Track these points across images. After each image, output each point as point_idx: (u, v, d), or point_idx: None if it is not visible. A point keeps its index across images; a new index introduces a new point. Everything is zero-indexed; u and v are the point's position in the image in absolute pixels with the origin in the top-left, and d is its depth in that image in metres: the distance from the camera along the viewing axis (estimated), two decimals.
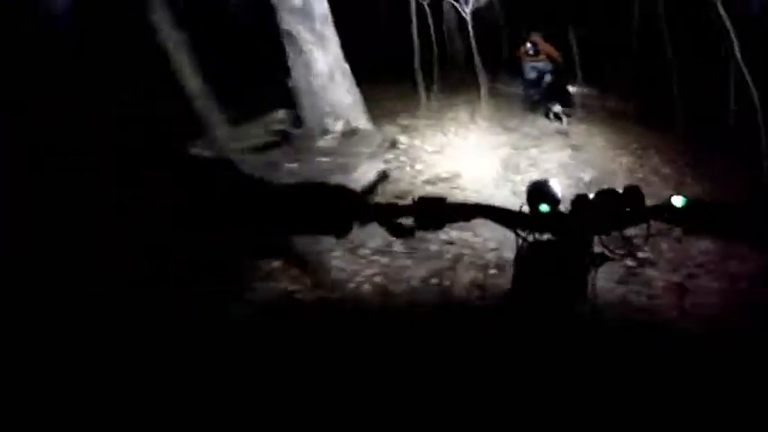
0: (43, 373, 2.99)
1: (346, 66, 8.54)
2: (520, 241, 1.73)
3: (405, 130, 9.35)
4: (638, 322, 4.22)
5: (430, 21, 11.82)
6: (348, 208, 1.51)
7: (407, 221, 1.53)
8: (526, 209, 1.70)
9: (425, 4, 11.60)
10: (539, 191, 1.70)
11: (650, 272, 5.14)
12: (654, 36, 11.46)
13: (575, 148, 9.73)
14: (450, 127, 9.90)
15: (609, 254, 1.74)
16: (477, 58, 11.42)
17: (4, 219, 3.88)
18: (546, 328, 1.74)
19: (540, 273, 1.71)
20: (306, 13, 8.31)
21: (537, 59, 10.67)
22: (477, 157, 8.34)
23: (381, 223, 1.54)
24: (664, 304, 4.60)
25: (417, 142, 8.59)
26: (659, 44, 11.30)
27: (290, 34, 8.38)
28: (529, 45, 10.62)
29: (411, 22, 11.32)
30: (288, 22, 8.37)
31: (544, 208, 1.62)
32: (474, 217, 1.60)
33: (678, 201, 1.54)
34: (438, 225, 1.55)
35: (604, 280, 4.34)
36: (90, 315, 3.44)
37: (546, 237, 1.70)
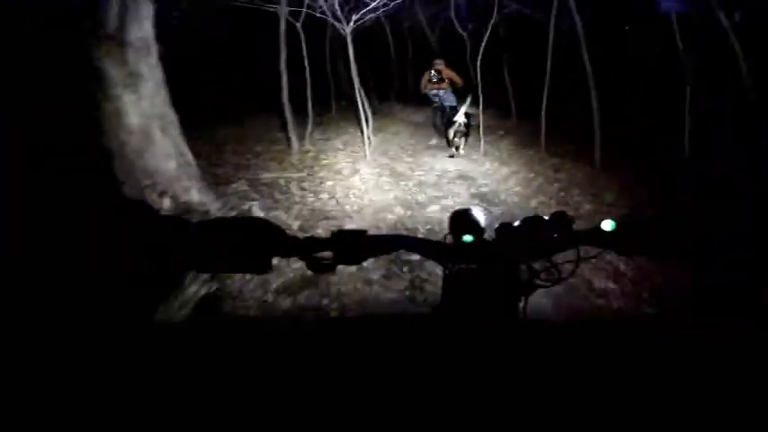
0: (42, 374, 2.02)
1: (171, 115, 5.75)
2: (445, 270, 1.60)
3: (263, 194, 6.66)
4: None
5: (303, 45, 9.13)
6: (266, 243, 1.36)
7: (326, 255, 1.39)
8: (450, 239, 1.62)
9: (298, 25, 8.92)
10: (461, 220, 1.65)
11: None
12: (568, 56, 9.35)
13: (485, 198, 7.38)
14: (325, 182, 7.28)
15: (538, 281, 1.63)
16: (358, 87, 8.87)
17: (4, 219, 3.72)
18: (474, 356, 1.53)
19: (467, 302, 1.60)
20: (115, 41, 5.48)
21: (440, 86, 9.65)
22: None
23: (300, 258, 1.40)
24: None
25: (277, 215, 5.90)
26: (572, 64, 9.24)
27: (96, 72, 5.55)
28: (433, 72, 9.58)
29: (279, 48, 8.58)
30: (95, 53, 5.53)
31: (467, 238, 1.57)
32: (395, 249, 1.50)
33: (607, 225, 1.49)
34: (357, 259, 1.43)
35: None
36: (89, 315, 3.33)
37: (471, 266, 1.58)
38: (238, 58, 12.35)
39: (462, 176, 8.32)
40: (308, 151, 8.76)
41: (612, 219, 1.52)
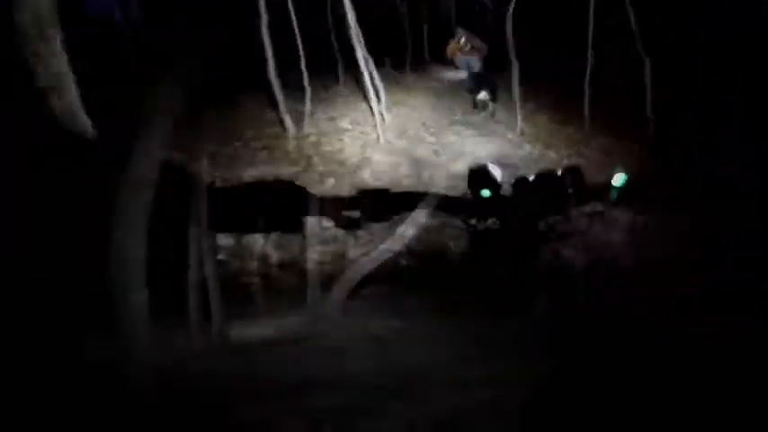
0: (42, 373, 2.86)
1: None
2: (469, 228, 2.02)
3: None
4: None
5: (290, 4, 7.05)
6: (295, 204, 0.78)
7: (353, 214, 0.80)
8: (469, 194, 2.23)
9: None
10: (479, 176, 2.16)
11: None
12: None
13: None
14: (325, 179, 5.41)
15: (552, 236, 2.00)
16: (364, 55, 6.86)
17: (4, 219, 3.62)
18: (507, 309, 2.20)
19: (492, 258, 1.93)
20: None
21: (470, 54, 8.59)
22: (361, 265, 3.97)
23: (328, 217, 0.77)
24: None
25: (249, 242, 4.04)
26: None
27: None
28: (463, 41, 8.58)
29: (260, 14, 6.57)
30: None
31: (485, 193, 0.99)
32: (419, 206, 1.83)
33: (618, 179, 1.96)
34: (384, 216, 0.84)
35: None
36: (87, 315, 3.30)
37: (491, 222, 1.92)
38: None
39: (500, 165, 6.34)
40: (307, 136, 6.84)
41: (624, 173, 2.48)
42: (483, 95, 8.04)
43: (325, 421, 2.73)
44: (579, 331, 3.67)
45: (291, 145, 6.56)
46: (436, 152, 6.69)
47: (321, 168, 5.82)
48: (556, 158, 6.52)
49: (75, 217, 3.93)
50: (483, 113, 8.04)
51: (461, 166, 6.27)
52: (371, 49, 7.32)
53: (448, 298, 4.09)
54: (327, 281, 4.16)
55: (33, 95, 4.81)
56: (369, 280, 4.05)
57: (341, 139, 6.84)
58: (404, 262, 4.38)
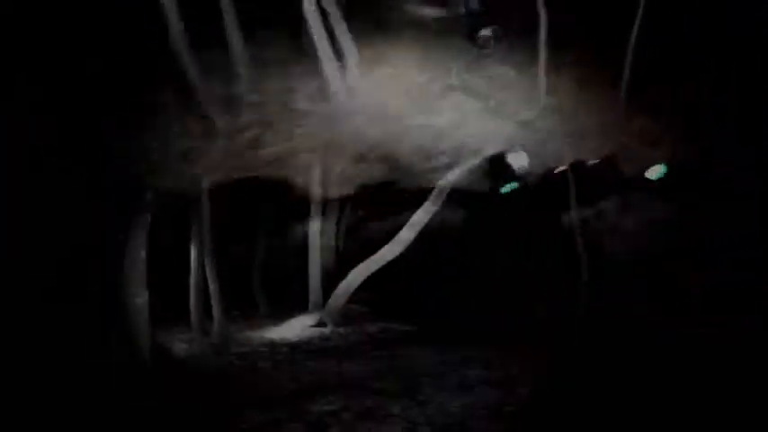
0: (44, 373, 2.82)
1: None
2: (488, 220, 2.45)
3: None
4: None
5: None
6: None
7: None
8: (486, 185, 2.15)
9: None
10: (500, 165, 1.79)
11: None
12: None
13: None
14: None
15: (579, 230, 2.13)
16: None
17: (4, 219, 3.50)
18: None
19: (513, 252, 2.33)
20: None
21: None
22: None
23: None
24: None
25: None
26: None
27: None
28: None
29: None
30: None
31: (508, 187, 1.83)
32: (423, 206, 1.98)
33: (654, 172, 1.67)
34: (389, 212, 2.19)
35: None
36: (90, 314, 3.25)
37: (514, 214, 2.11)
38: None
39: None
40: (243, 129, 4.65)
41: (663, 164, 2.17)
42: (487, 32, 6.67)
43: (328, 425, 2.76)
44: (579, 331, 3.63)
45: (220, 147, 4.43)
46: (425, 150, 4.59)
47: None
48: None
49: (75, 218, 3.71)
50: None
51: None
52: None
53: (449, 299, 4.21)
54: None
55: (33, 95, 4.57)
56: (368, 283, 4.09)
57: (290, 133, 4.69)
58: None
